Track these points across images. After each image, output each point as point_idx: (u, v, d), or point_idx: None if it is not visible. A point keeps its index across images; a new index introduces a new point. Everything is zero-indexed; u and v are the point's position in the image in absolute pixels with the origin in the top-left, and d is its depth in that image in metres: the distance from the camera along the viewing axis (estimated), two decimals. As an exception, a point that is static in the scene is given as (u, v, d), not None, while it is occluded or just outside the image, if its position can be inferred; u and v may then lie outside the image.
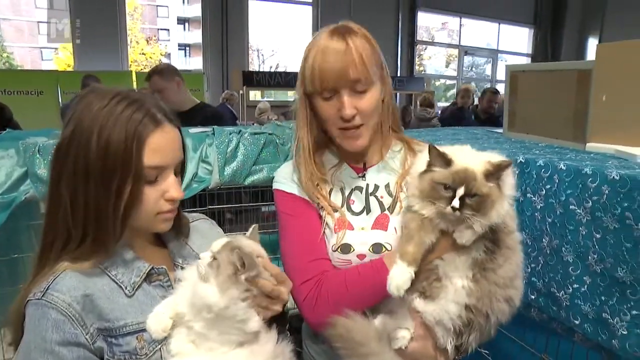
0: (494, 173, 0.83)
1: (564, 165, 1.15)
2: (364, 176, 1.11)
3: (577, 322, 1.13)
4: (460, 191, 0.82)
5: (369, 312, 0.96)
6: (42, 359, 0.74)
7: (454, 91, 12.64)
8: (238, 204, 2.19)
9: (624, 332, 1.02)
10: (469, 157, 0.88)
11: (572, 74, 1.62)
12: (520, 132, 1.90)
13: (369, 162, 1.12)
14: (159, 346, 0.84)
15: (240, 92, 7.49)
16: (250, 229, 0.93)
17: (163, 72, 2.96)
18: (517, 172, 1.30)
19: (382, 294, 0.91)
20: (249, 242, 0.88)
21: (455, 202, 0.82)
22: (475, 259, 0.88)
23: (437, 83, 13.69)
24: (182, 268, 0.94)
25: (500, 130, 2.09)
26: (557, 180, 1.17)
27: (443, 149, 0.89)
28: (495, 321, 0.90)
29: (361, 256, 1.02)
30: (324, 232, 1.06)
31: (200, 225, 1.12)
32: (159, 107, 0.87)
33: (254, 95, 9.74)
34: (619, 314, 1.03)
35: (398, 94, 10.32)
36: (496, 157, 0.88)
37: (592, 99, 1.47)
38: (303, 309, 1.01)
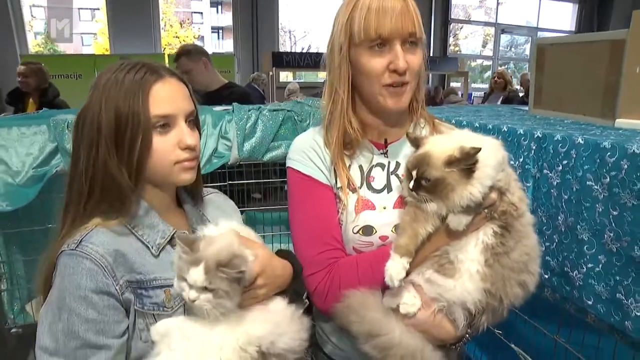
0: (461, 159, 0.83)
1: (582, 139, 1.09)
2: (385, 153, 1.06)
3: (590, 302, 1.08)
4: (414, 174, 0.87)
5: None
6: (75, 304, 0.79)
7: (490, 73, 12.15)
8: (264, 180, 2.20)
9: (638, 314, 0.97)
10: (448, 141, 0.88)
11: (605, 45, 1.51)
12: (547, 109, 1.81)
13: (391, 138, 1.06)
14: (183, 302, 0.89)
15: (270, 73, 7.50)
16: (177, 241, 0.83)
17: (190, 52, 3.00)
18: (534, 147, 1.25)
19: None
20: (217, 248, 0.80)
21: (411, 184, 0.88)
22: (486, 244, 0.88)
23: (473, 64, 13.18)
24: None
25: (526, 108, 2.00)
26: (574, 155, 1.11)
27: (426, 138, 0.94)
28: (508, 304, 0.89)
29: (383, 237, 0.99)
30: (340, 213, 1.01)
31: (214, 197, 1.16)
32: (162, 66, 0.92)
33: (286, 76, 9.73)
34: (634, 294, 0.98)
35: (430, 74, 10.03)
36: (481, 142, 0.86)
37: (625, 71, 1.38)
38: (314, 298, 1.01)
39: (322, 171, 1.03)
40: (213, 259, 0.78)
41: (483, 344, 1.76)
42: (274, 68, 7.49)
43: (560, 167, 1.15)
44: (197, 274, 0.77)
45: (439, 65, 9.56)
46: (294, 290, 0.96)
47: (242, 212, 2.29)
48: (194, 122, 0.95)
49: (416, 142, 0.92)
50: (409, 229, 0.89)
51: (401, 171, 1.04)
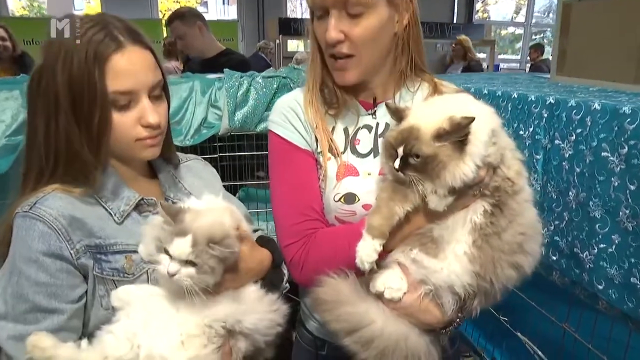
0: (451, 132, 0.78)
1: (598, 105, 1.04)
2: (374, 113, 1.04)
3: (600, 287, 1.05)
4: (400, 151, 0.82)
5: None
6: (25, 267, 0.80)
7: (521, 43, 11.76)
8: (257, 152, 2.18)
9: (653, 300, 0.94)
10: (434, 112, 0.83)
11: (643, -3, 1.42)
12: (571, 76, 1.73)
13: (380, 97, 1.04)
14: (147, 269, 0.90)
15: (277, 41, 7.39)
16: (160, 210, 0.83)
17: (184, 16, 2.95)
18: (545, 115, 1.19)
19: None
20: (208, 222, 0.82)
21: (396, 163, 0.82)
22: (475, 223, 0.84)
23: (503, 32, 12.77)
24: (174, 202, 0.98)
25: (547, 76, 1.93)
26: (589, 123, 1.06)
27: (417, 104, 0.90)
28: (500, 287, 0.87)
29: (367, 206, 0.97)
30: (321, 180, 1.01)
31: (194, 164, 1.16)
32: (124, 28, 0.88)
33: (297, 46, 9.58)
34: (650, 279, 0.95)
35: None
36: (470, 109, 0.81)
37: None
38: (290, 269, 1.02)
39: (301, 135, 1.02)
40: (203, 233, 0.78)
41: (487, 331, 1.74)
42: (280, 36, 7.36)
43: (574, 137, 1.10)
44: (183, 246, 0.78)
45: (462, 33, 9.29)
46: (270, 281, 0.96)
47: (238, 187, 2.29)
48: (161, 91, 0.93)
49: (398, 114, 0.87)
50: (384, 207, 0.85)
51: None
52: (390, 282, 0.88)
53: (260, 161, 2.20)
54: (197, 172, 1.13)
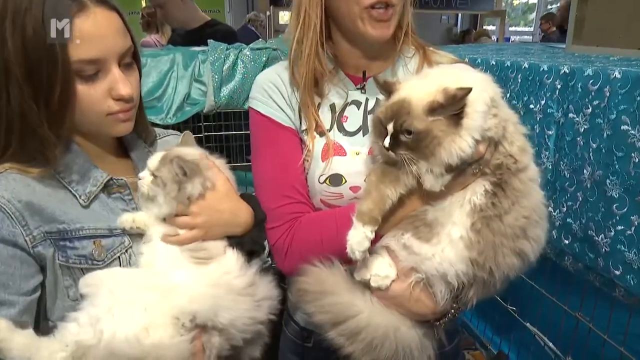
0: (446, 105, 0.76)
1: (619, 73, 1.02)
2: (363, 88, 1.03)
3: (617, 272, 1.05)
4: (390, 128, 0.80)
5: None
6: None
7: (535, 14, 11.66)
8: (246, 132, 2.17)
9: (674, 286, 0.93)
10: (427, 83, 0.81)
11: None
12: (589, 45, 1.71)
13: (371, 71, 1.03)
14: (118, 254, 0.88)
15: (268, 13, 7.30)
16: (182, 136, 1.00)
17: (163, -19, 2.89)
18: (559, 86, 1.18)
19: None
20: (188, 149, 0.92)
21: (386, 141, 0.80)
22: (474, 204, 0.83)
23: (515, 2, 12.67)
24: None
25: (562, 46, 1.90)
26: (607, 94, 1.04)
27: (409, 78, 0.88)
28: (500, 276, 0.85)
29: (355, 189, 0.97)
30: (305, 160, 1.01)
31: (173, 140, 1.13)
32: None
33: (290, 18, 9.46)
34: (671, 263, 0.94)
35: (460, 14, 9.67)
36: (465, 79, 0.80)
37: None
38: (273, 254, 1.02)
39: (284, 112, 1.02)
40: (172, 152, 0.90)
41: (494, 322, 1.75)
42: (271, 7, 7.26)
43: (590, 110, 1.09)
44: (154, 159, 0.91)
45: (471, 3, 9.18)
46: (252, 239, 0.95)
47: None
48: (132, 58, 0.89)
49: (387, 88, 0.85)
50: (374, 191, 0.84)
51: None
52: (377, 269, 0.88)
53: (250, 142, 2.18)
54: None
